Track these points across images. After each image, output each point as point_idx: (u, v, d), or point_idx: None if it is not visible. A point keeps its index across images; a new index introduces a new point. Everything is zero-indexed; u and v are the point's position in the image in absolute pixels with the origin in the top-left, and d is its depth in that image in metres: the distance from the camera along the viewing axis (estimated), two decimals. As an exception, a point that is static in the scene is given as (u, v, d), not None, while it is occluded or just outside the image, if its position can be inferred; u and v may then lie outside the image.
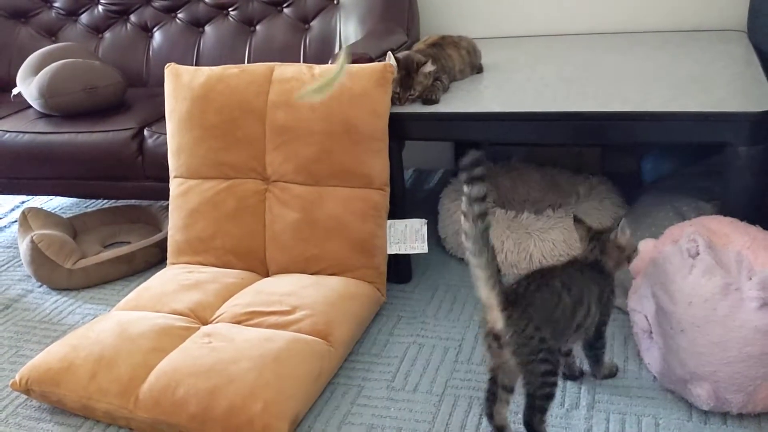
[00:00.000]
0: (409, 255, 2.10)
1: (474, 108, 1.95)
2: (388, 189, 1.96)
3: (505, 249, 2.09)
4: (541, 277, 1.44)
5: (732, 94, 1.81)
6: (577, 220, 1.58)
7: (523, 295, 1.39)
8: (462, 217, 1.32)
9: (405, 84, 1.96)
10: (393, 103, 1.96)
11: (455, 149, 2.76)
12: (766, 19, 2.19)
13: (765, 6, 2.20)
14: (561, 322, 1.42)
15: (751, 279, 1.44)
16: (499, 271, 1.36)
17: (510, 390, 1.44)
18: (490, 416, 1.46)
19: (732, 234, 1.56)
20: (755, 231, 1.57)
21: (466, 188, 1.30)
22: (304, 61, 2.59)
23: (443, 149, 2.89)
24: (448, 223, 2.27)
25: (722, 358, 1.43)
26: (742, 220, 1.63)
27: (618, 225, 1.51)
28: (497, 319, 1.37)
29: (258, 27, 2.69)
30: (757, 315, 1.41)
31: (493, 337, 1.39)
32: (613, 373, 1.65)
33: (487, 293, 1.36)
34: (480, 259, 1.33)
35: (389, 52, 1.97)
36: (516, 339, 1.37)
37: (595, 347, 1.59)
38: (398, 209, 2.02)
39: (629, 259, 1.55)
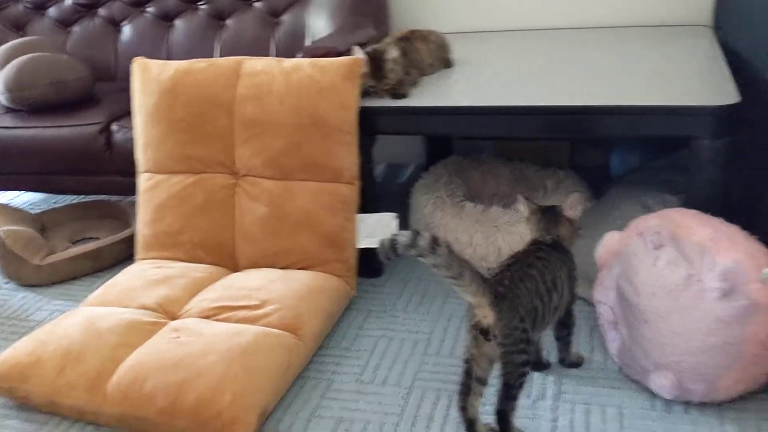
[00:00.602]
0: (379, 249, 2.10)
1: (443, 102, 1.95)
2: (357, 183, 1.96)
3: (474, 243, 2.10)
4: (521, 267, 1.46)
5: (697, 89, 1.83)
6: (526, 198, 1.58)
7: (509, 287, 1.41)
8: (422, 260, 1.32)
9: (376, 76, 1.97)
10: (370, 95, 1.97)
11: (427, 144, 2.76)
12: (730, 14, 2.22)
13: (730, 1, 2.23)
14: (540, 310, 1.45)
15: (712, 270, 1.46)
16: (480, 274, 1.37)
17: (484, 382, 1.45)
18: (463, 409, 1.47)
19: (695, 226, 1.59)
20: (718, 223, 1.59)
21: (400, 245, 1.31)
22: (275, 56, 2.57)
23: (415, 144, 2.90)
24: (419, 217, 2.27)
25: (685, 348, 1.46)
26: (705, 212, 1.65)
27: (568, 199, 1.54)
28: (487, 315, 1.37)
29: (228, 21, 2.68)
30: (718, 305, 1.43)
31: (480, 330, 1.40)
32: (579, 363, 1.67)
33: (478, 299, 1.37)
34: (463, 280, 1.34)
35: (356, 47, 1.97)
36: (504, 331, 1.38)
37: (567, 325, 1.61)
38: (369, 203, 2.03)
39: (577, 234, 1.57)
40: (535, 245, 1.53)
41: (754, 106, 1.78)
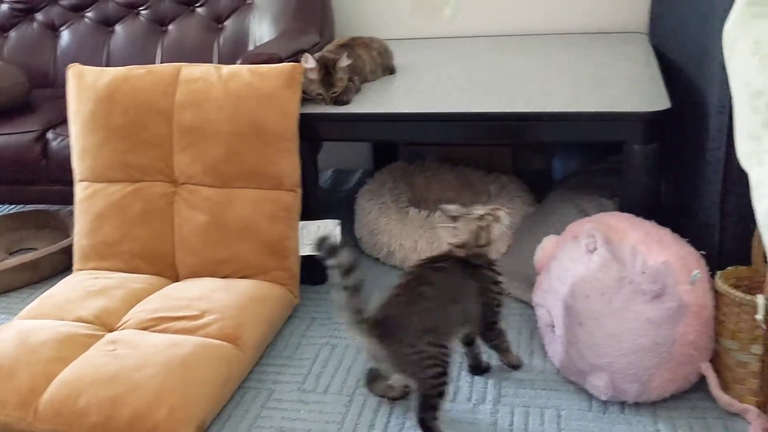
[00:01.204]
0: (323, 256, 2.09)
1: (385, 109, 1.96)
2: (299, 190, 1.95)
3: (418, 248, 2.11)
4: (415, 286, 1.48)
5: (629, 95, 1.87)
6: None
7: (393, 316, 1.43)
8: (336, 291, 1.35)
9: (326, 83, 1.96)
10: (316, 102, 1.97)
11: (373, 149, 2.77)
12: (664, 21, 2.28)
13: (664, 9, 2.29)
14: (441, 326, 1.46)
15: (643, 272, 1.49)
16: (369, 318, 1.40)
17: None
18: (371, 390, 1.52)
19: (628, 229, 1.62)
20: (649, 226, 1.63)
21: (333, 260, 1.33)
22: (217, 61, 2.55)
23: (362, 150, 2.90)
24: (364, 223, 2.28)
25: (617, 349, 1.49)
26: (638, 215, 1.69)
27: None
28: (377, 353, 1.43)
29: (170, 26, 2.64)
30: (648, 307, 1.46)
31: (375, 358, 1.45)
32: (518, 366, 1.69)
33: (365, 340, 1.42)
34: (360, 326, 1.38)
35: (306, 54, 1.96)
36: (394, 361, 1.42)
37: (490, 339, 1.62)
38: (313, 210, 2.02)
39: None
40: (445, 253, 1.55)
41: (685, 112, 1.82)
